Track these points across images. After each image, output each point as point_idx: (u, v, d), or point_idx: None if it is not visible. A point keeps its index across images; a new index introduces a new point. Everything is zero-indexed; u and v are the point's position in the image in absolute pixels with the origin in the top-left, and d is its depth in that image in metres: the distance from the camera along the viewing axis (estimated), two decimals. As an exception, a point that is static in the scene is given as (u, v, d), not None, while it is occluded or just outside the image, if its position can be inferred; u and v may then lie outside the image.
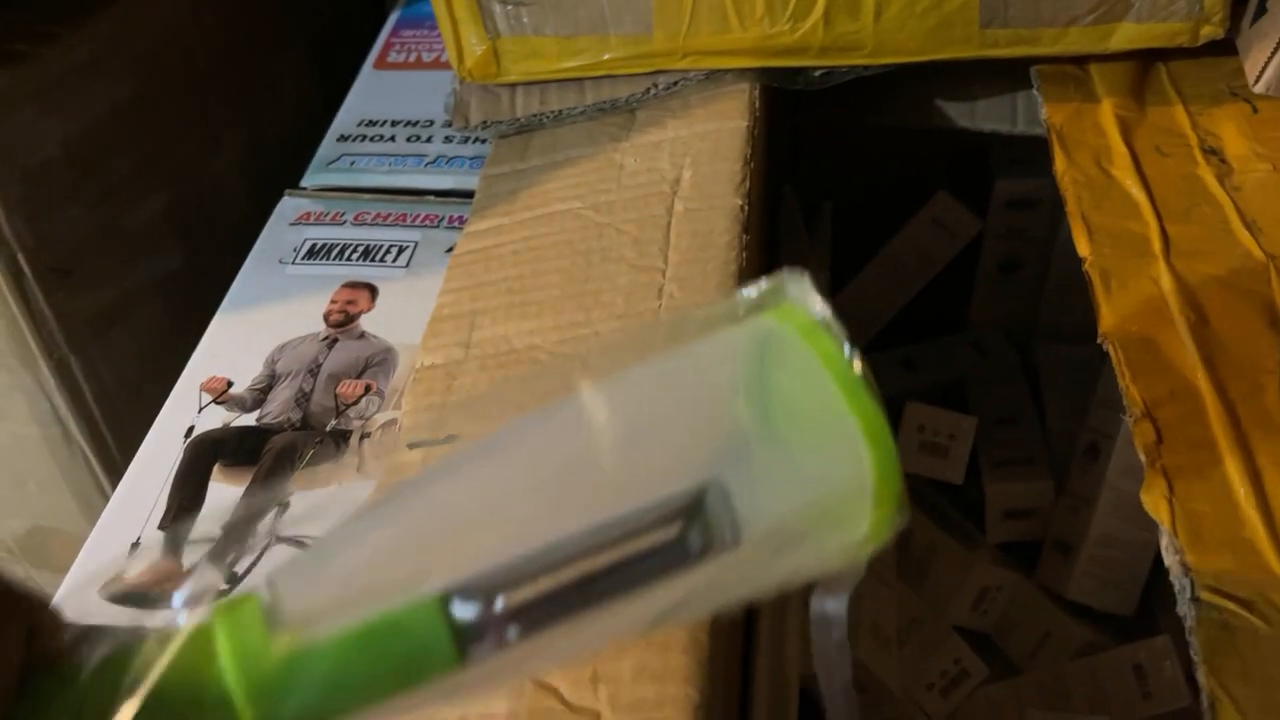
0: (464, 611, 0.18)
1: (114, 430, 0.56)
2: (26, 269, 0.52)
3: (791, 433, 0.19)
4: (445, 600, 0.18)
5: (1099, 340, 0.33)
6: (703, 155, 0.40)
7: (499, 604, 0.18)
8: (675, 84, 0.43)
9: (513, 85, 0.44)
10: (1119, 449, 0.46)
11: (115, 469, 0.56)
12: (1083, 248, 0.36)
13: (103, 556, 0.34)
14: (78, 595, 0.33)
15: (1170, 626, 0.45)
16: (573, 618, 0.18)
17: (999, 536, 0.51)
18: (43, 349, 0.54)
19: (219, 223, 0.61)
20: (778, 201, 0.58)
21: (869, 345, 0.60)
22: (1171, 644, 0.44)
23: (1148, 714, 0.42)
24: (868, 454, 0.18)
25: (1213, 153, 0.39)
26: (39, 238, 0.51)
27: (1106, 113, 0.41)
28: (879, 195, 0.60)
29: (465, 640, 0.18)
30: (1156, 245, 0.35)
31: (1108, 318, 0.33)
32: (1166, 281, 0.34)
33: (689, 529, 0.18)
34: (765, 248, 0.55)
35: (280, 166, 0.53)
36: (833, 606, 0.21)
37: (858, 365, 0.19)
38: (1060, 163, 0.39)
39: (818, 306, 0.19)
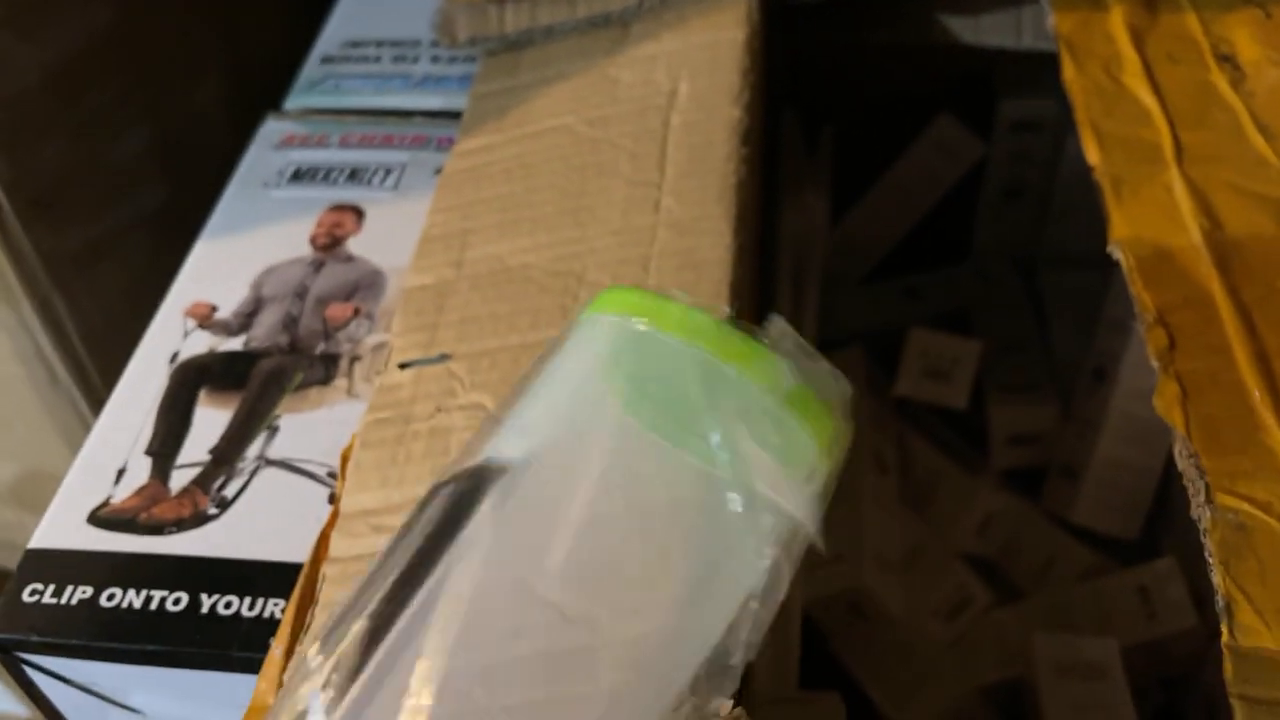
0: None
1: (101, 369, 0.55)
2: (5, 203, 0.51)
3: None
4: None
5: (1109, 248, 0.32)
6: (700, 67, 0.38)
7: None
8: (670, -5, 0.41)
9: (501, 1, 0.43)
10: (1126, 371, 0.45)
11: (102, 409, 0.55)
12: (1092, 156, 0.34)
13: (87, 484, 0.33)
14: (64, 522, 0.33)
15: (1174, 549, 0.45)
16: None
17: (1003, 463, 0.50)
18: (25, 286, 0.53)
19: (204, 154, 0.60)
20: (777, 126, 0.57)
21: (871, 273, 0.59)
22: (1177, 566, 0.43)
23: (1153, 635, 0.42)
24: (710, 351, 0.16)
25: (1226, 59, 0.38)
26: (18, 170, 0.50)
27: (1116, 20, 0.40)
28: (880, 118, 0.58)
29: None
30: (1169, 152, 0.34)
31: (1119, 225, 0.32)
32: (1179, 188, 0.33)
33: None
34: (765, 174, 0.54)
35: (266, 95, 0.52)
36: None
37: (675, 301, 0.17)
38: (1069, 71, 0.38)
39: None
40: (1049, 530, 0.47)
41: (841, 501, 0.45)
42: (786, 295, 0.49)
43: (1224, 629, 0.22)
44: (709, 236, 0.32)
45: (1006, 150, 0.57)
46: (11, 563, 0.66)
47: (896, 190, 0.58)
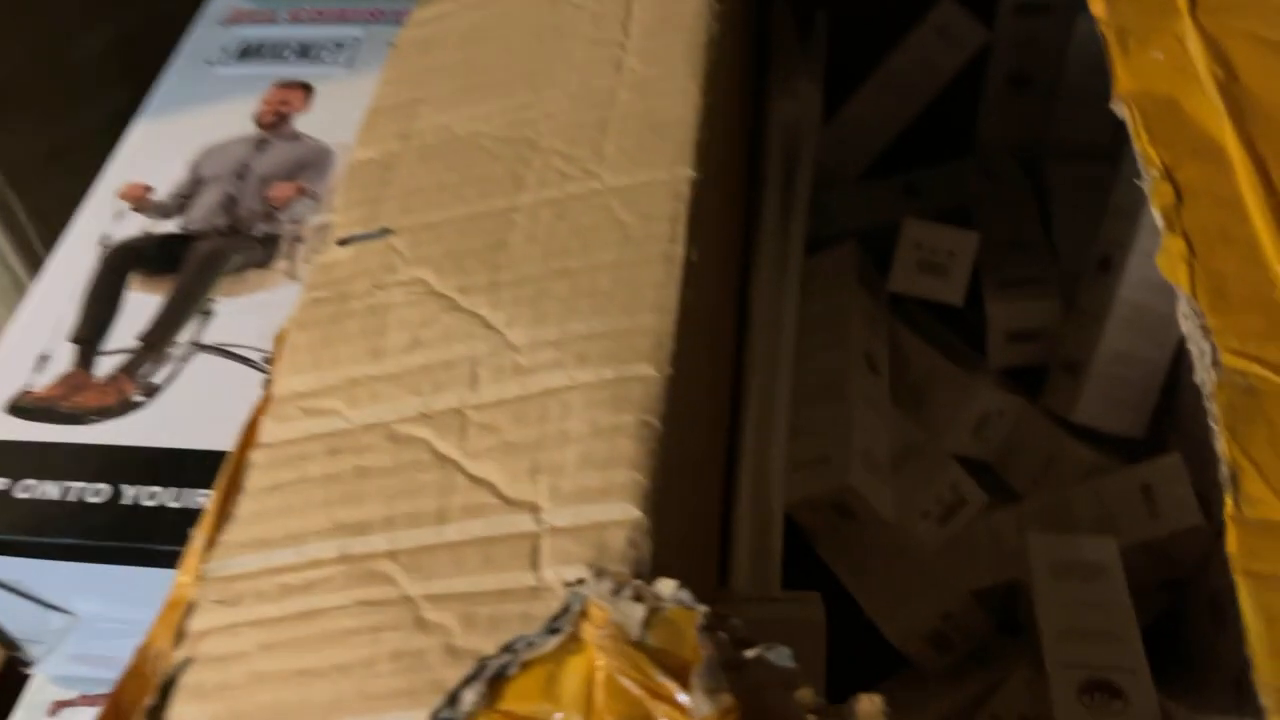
0: None
1: (63, 273, 0.53)
2: (-45, 100, 0.48)
3: None
4: None
5: (1112, 104, 0.29)
6: (669, -77, 0.35)
7: None
8: None
9: None
10: (1133, 261, 0.43)
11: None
12: (1098, 7, 0.31)
13: (7, 372, 0.31)
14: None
15: (1181, 447, 0.42)
16: None
17: (1002, 361, 0.47)
18: (-18, 189, 0.51)
19: (166, 51, 0.57)
20: (768, 11, 0.53)
21: (868, 170, 0.56)
22: (1182, 462, 0.41)
23: (1155, 534, 0.40)
24: None
25: (1247, -95, 0.35)
26: (-35, 66, 0.47)
27: None
28: (878, 4, 0.55)
29: None
30: (1181, 1, 0.31)
31: (1124, 80, 0.29)
32: (1192, 39, 0.30)
33: None
34: (754, 61, 0.51)
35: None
36: None
37: None
38: (1074, -80, 0.35)
39: None
40: (1049, 430, 0.45)
41: (830, 400, 0.43)
42: (776, 190, 0.46)
43: (1228, 500, 0.20)
44: (673, 96, 0.30)
45: (1012, 36, 0.54)
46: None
47: (894, 80, 0.55)
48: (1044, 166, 0.54)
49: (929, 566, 0.41)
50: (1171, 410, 0.44)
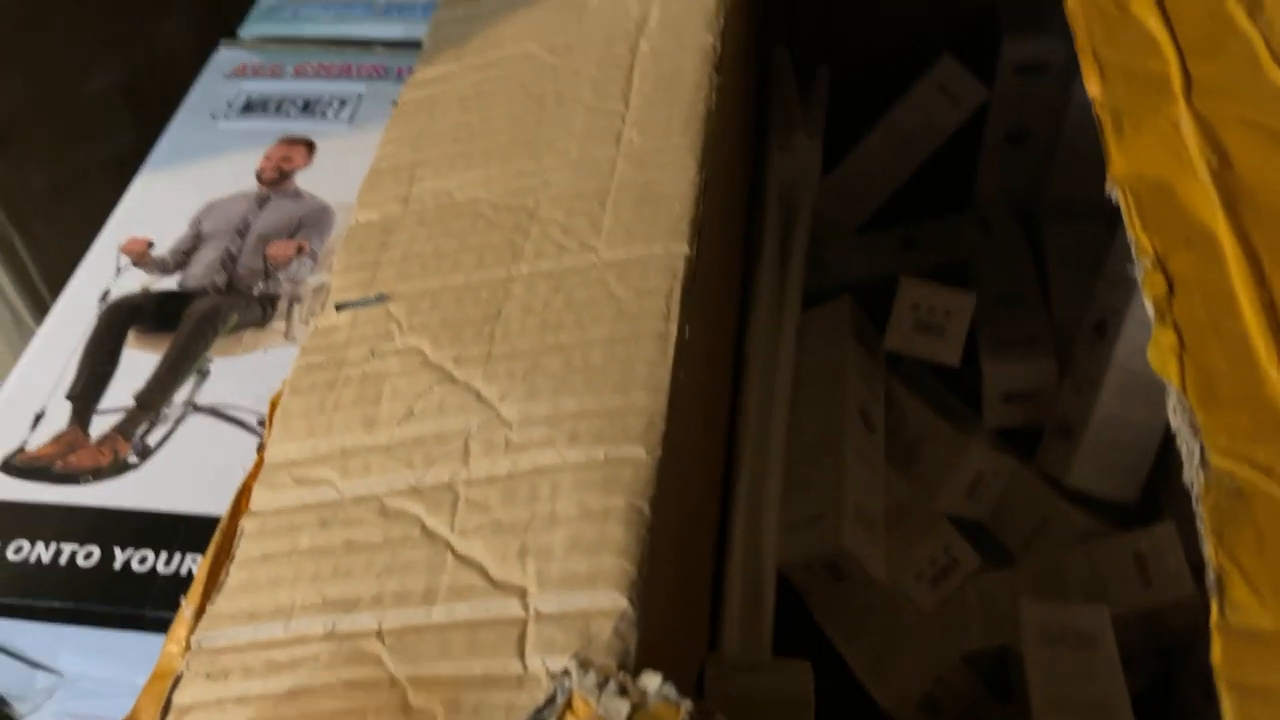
0: None
1: (63, 311, 0.53)
2: (-42, 137, 0.49)
3: None
4: None
5: (1107, 188, 0.29)
6: (672, -9, 0.36)
7: None
8: (644, -86, 0.38)
9: (466, -80, 0.40)
10: (1129, 327, 0.43)
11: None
12: (1093, 87, 0.32)
13: (2, 429, 0.31)
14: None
15: (1175, 514, 0.42)
16: None
17: (997, 421, 0.48)
18: (-16, 225, 0.51)
19: (172, 92, 0.58)
20: (769, 65, 0.54)
21: (867, 223, 0.56)
22: (1176, 531, 0.41)
23: (1148, 604, 0.40)
24: None
25: (1244, -14, 0.35)
26: (-30, 103, 0.48)
27: (1126, -56, 0.36)
28: (879, 60, 0.55)
29: None
30: (1177, 84, 0.31)
31: (1118, 163, 0.29)
32: (1187, 123, 0.30)
33: None
34: (755, 116, 0.51)
35: (236, 30, 0.49)
36: None
37: None
38: (1072, -3, 0.35)
39: None
40: (1043, 492, 0.45)
41: (824, 457, 0.43)
42: (773, 243, 0.46)
43: (1214, 606, 0.20)
44: (671, 169, 0.30)
45: (1010, 94, 0.54)
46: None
47: (894, 135, 0.55)
48: (1040, 224, 0.55)
49: (921, 629, 0.41)
50: (1166, 475, 0.44)
